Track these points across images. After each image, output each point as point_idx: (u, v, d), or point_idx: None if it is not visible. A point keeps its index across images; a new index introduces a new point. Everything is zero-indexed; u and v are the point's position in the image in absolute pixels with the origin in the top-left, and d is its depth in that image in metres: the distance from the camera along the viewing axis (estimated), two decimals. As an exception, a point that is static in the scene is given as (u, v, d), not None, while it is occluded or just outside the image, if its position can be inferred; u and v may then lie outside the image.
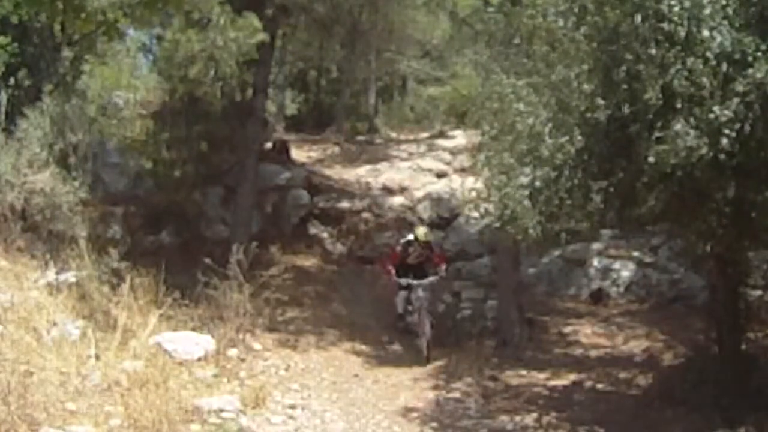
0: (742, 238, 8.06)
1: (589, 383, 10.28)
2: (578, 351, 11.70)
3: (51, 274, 10.05)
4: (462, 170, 17.60)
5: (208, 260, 10.42)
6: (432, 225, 16.38)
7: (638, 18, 7.28)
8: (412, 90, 25.12)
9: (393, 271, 11.86)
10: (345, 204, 16.54)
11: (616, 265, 13.96)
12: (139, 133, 13.64)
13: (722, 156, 6.89)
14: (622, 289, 13.73)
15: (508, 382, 10.43)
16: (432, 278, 11.88)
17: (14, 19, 11.61)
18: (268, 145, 17.10)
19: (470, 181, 13.35)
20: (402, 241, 12.33)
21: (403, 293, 11.86)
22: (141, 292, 10.05)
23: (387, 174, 18.06)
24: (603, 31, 7.75)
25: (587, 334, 12.33)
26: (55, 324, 8.94)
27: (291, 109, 25.21)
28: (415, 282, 11.72)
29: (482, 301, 13.17)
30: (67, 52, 13.16)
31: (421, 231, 12.22)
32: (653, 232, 13.07)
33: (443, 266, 12.04)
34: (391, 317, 12.64)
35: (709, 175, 7.25)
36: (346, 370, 10.82)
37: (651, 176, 7.38)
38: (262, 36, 12.18)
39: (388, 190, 17.51)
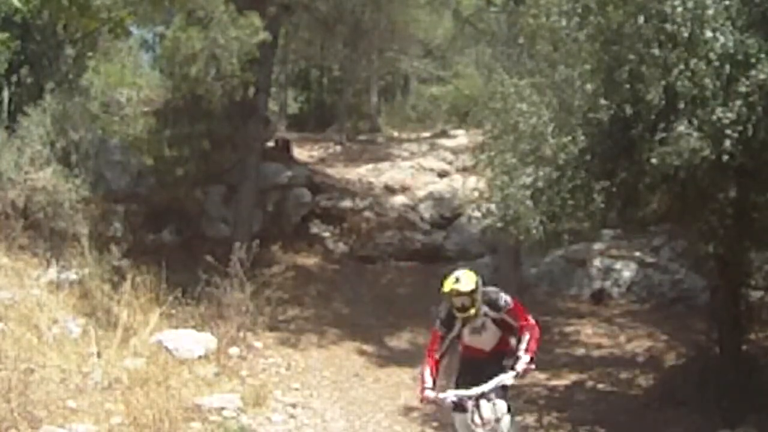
0: (743, 238, 8.07)
1: (590, 383, 10.28)
2: (579, 351, 11.70)
3: (52, 272, 10.06)
4: (464, 170, 17.60)
5: (209, 258, 10.43)
6: (433, 224, 16.42)
7: (641, 18, 7.28)
8: (415, 89, 25.11)
9: (428, 378, 6.09)
10: (346, 203, 16.54)
11: (618, 265, 13.96)
12: (141, 130, 13.63)
13: (725, 157, 6.89)
14: (623, 290, 13.73)
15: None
16: (502, 378, 5.84)
17: (17, 18, 11.61)
18: (270, 143, 17.09)
19: (472, 180, 13.37)
20: (441, 311, 6.21)
21: (460, 416, 6.01)
22: (142, 290, 10.06)
23: (389, 173, 18.06)
24: (606, 32, 7.75)
25: (588, 334, 12.33)
26: (56, 322, 8.95)
27: (293, 107, 25.23)
28: (470, 394, 5.87)
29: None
30: (69, 50, 13.16)
31: (450, 279, 5.91)
32: (655, 232, 13.07)
33: (526, 339, 5.94)
34: (393, 316, 12.65)
35: (712, 177, 7.25)
36: (347, 369, 10.82)
37: (653, 177, 7.39)
38: (263, 35, 12.18)
39: (390, 190, 17.51)
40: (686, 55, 7.01)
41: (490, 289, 6.03)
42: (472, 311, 5.89)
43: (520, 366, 5.80)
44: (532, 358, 5.81)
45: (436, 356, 6.12)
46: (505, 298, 6.04)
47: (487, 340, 6.11)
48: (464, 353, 6.25)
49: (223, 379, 9.10)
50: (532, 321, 5.98)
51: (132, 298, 9.83)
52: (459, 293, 5.85)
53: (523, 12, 9.17)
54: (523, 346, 5.90)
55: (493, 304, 6.01)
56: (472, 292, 5.86)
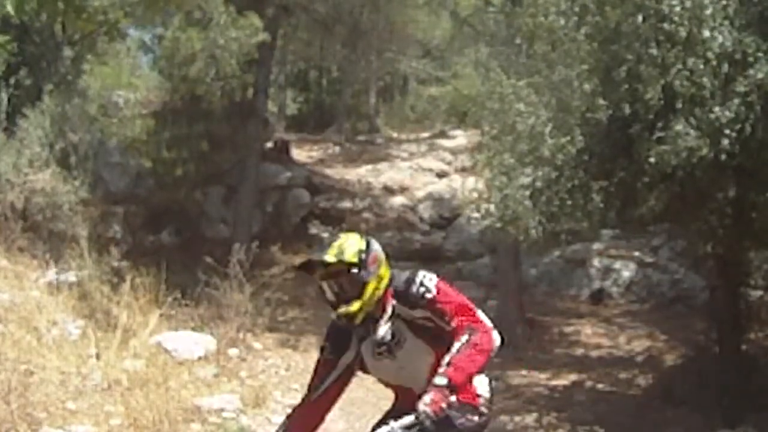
0: (742, 238, 8.07)
1: (589, 383, 10.27)
2: (579, 351, 11.70)
3: (51, 274, 10.05)
4: (463, 170, 17.61)
5: (208, 260, 10.43)
6: (433, 225, 16.42)
7: (639, 18, 7.29)
8: (413, 90, 25.11)
9: None
10: (346, 204, 16.55)
11: (617, 265, 13.96)
12: (139, 132, 13.65)
13: (723, 156, 6.90)
14: (622, 289, 13.73)
15: (509, 382, 10.42)
16: (391, 428, 3.23)
17: (15, 18, 11.61)
18: (269, 144, 17.11)
19: (471, 181, 13.38)
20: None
21: None
22: (141, 292, 10.05)
23: (388, 174, 18.06)
24: (604, 31, 7.76)
25: (588, 334, 12.33)
26: (55, 323, 8.93)
27: (292, 108, 25.24)
28: None
29: (483, 301, 13.16)
30: (67, 52, 13.17)
31: (317, 255, 3.36)
32: (654, 232, 13.08)
33: (456, 347, 3.22)
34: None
35: (710, 176, 7.26)
36: (347, 369, 10.78)
37: (652, 176, 7.39)
38: (263, 35, 12.20)
39: (389, 190, 17.52)
40: (684, 55, 7.01)
41: (404, 274, 3.40)
42: (355, 306, 3.25)
43: (425, 401, 3.11)
44: (450, 382, 3.12)
45: (314, 396, 3.57)
46: (420, 280, 3.32)
47: (408, 367, 3.39)
48: (395, 396, 3.64)
49: (222, 380, 9.08)
50: (477, 317, 3.31)
51: (131, 300, 9.82)
52: (327, 271, 3.29)
53: (521, 12, 9.16)
54: (446, 359, 3.21)
55: (403, 295, 3.33)
56: (354, 267, 3.26)
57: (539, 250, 11.67)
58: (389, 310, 3.35)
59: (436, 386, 3.13)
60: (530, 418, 9.02)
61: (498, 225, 8.56)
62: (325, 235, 15.93)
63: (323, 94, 25.05)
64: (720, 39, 6.93)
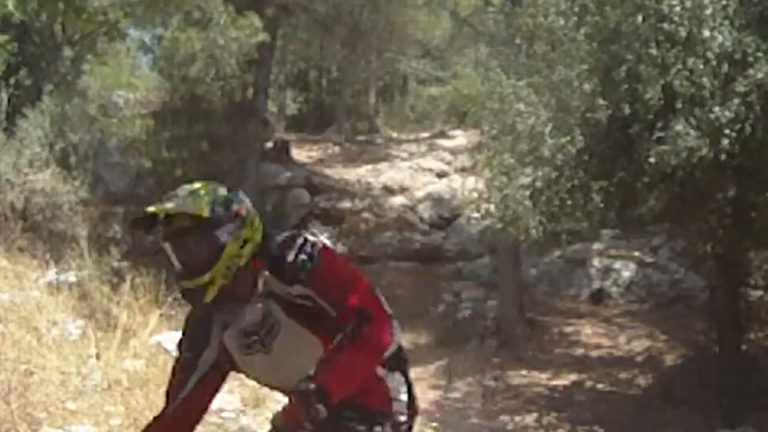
0: (742, 238, 8.08)
1: (589, 383, 10.28)
2: (579, 351, 11.69)
3: (51, 274, 10.04)
4: (463, 170, 17.60)
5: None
6: (432, 225, 16.41)
7: (639, 18, 7.30)
8: (413, 90, 25.11)
9: None
10: (346, 204, 16.55)
11: (617, 265, 13.96)
12: (139, 132, 13.65)
13: (723, 156, 6.90)
14: (622, 289, 13.73)
15: (509, 382, 10.43)
16: None
17: (15, 18, 11.62)
18: (269, 144, 17.11)
19: (471, 181, 13.40)
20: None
21: None
22: (142, 292, 10.02)
23: (387, 174, 18.06)
24: (603, 31, 7.77)
25: (588, 334, 12.33)
26: (55, 323, 8.92)
27: (292, 108, 25.25)
28: None
29: (483, 301, 13.17)
30: (67, 52, 13.16)
31: (157, 205, 2.48)
32: (654, 232, 13.08)
33: (337, 342, 2.39)
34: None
35: (710, 176, 7.27)
36: (347, 369, 10.77)
37: (652, 176, 7.40)
38: (262, 35, 12.20)
39: (389, 190, 17.52)
40: (684, 55, 7.02)
41: (280, 236, 2.50)
42: (205, 278, 2.38)
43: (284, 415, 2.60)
44: (322, 388, 2.29)
45: (171, 410, 2.65)
46: (300, 245, 2.45)
47: (287, 363, 2.53)
48: (288, 400, 2.58)
49: (222, 380, 9.08)
50: (372, 300, 2.50)
51: (131, 300, 9.80)
52: (169, 228, 2.50)
53: (521, 12, 9.17)
54: (322, 357, 2.43)
55: (277, 266, 2.45)
56: (205, 223, 2.41)
57: (539, 250, 11.68)
58: (260, 287, 2.46)
59: (301, 394, 2.28)
60: (530, 418, 9.03)
61: (498, 225, 8.56)
62: (325, 235, 15.96)
63: (323, 94, 25.05)
64: (720, 39, 6.94)
